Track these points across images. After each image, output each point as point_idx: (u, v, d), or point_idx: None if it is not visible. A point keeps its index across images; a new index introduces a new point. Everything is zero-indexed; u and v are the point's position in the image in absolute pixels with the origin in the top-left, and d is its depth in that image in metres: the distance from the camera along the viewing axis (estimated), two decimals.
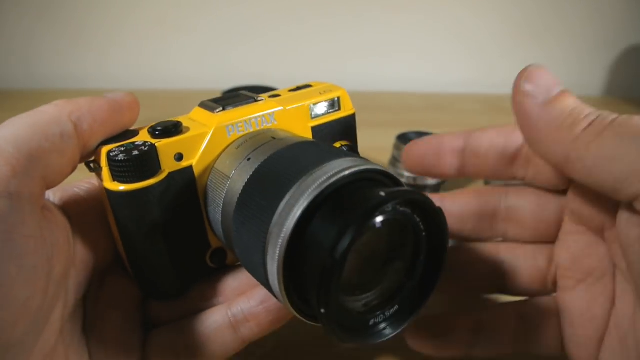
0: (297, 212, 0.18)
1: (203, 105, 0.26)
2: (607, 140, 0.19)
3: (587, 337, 0.24)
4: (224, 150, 0.24)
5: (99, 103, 0.23)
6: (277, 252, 0.18)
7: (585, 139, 0.20)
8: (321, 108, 0.28)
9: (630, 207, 0.20)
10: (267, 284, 0.20)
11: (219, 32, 0.82)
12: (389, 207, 0.18)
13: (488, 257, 0.26)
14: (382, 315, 0.21)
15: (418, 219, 0.20)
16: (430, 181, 0.47)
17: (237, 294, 0.25)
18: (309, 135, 0.28)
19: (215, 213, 0.24)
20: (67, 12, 0.80)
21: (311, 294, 0.18)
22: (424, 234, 0.21)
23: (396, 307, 0.21)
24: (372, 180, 0.20)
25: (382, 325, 0.21)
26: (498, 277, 0.26)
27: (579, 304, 0.24)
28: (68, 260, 0.22)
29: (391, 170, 0.49)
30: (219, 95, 0.53)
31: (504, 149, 0.25)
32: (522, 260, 0.26)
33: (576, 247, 0.25)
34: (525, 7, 0.80)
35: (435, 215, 0.20)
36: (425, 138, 0.28)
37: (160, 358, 0.24)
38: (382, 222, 0.18)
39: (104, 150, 0.22)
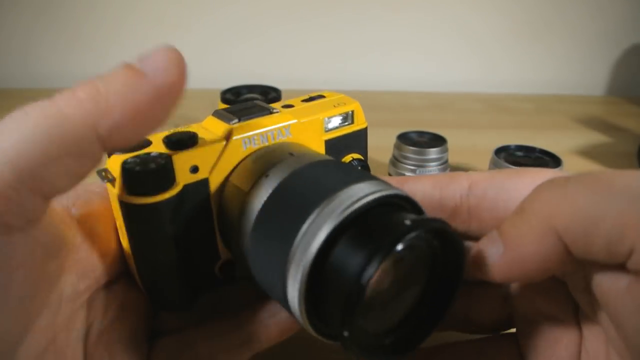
0: (322, 235, 0.18)
1: (217, 114, 0.25)
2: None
3: None
4: (239, 164, 0.24)
5: (136, 99, 0.18)
6: (300, 275, 0.19)
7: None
8: (335, 121, 0.28)
9: (621, 268, 0.17)
10: (285, 303, 0.20)
11: (219, 31, 0.82)
12: (413, 234, 0.18)
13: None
14: (398, 335, 0.21)
15: (437, 244, 0.20)
16: None
17: (245, 305, 0.25)
18: (322, 149, 0.28)
19: (228, 226, 0.24)
20: (66, 12, 0.80)
21: (334, 316, 0.19)
22: (441, 259, 0.21)
23: (412, 327, 0.21)
24: (395, 205, 0.21)
25: (398, 344, 0.21)
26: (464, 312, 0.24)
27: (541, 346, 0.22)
28: (71, 268, 0.21)
29: (391, 170, 0.49)
30: (217, 94, 0.53)
31: (440, 203, 0.23)
32: (486, 293, 0.24)
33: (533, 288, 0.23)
34: (527, 6, 0.80)
35: (455, 242, 0.20)
36: None
37: None
38: (404, 248, 0.18)
39: (118, 159, 0.21)
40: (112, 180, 0.22)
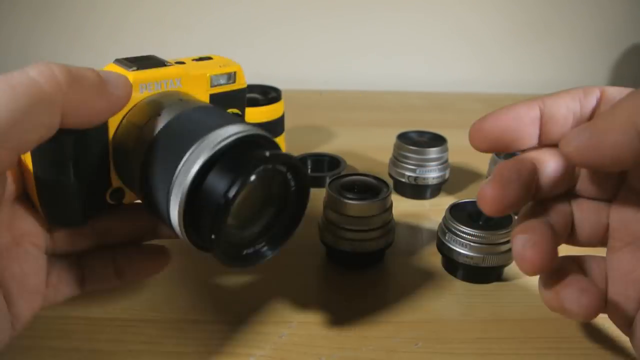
0: (198, 164, 0.24)
1: (118, 62, 0.29)
2: None
3: (627, 298, 0.24)
4: (136, 104, 0.28)
5: (94, 97, 0.24)
6: (180, 195, 0.24)
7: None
8: (220, 79, 0.33)
9: None
10: (168, 220, 0.25)
11: (219, 31, 0.82)
12: (269, 165, 0.25)
13: (560, 208, 0.26)
14: (255, 248, 0.27)
15: (290, 176, 0.27)
16: (432, 180, 0.47)
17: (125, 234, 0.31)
18: (207, 101, 0.32)
19: (122, 156, 0.28)
20: (66, 12, 0.80)
21: (206, 228, 0.24)
22: (293, 188, 0.27)
23: (265, 242, 0.28)
24: (257, 143, 0.26)
25: (253, 256, 0.27)
26: (566, 228, 0.27)
27: (624, 265, 0.25)
28: None
29: (392, 169, 0.49)
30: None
31: (581, 113, 0.25)
32: (587, 215, 0.26)
33: (628, 211, 0.25)
34: (527, 6, 0.80)
35: (301, 174, 0.27)
36: (496, 112, 0.28)
37: (60, 284, 0.29)
38: (261, 175, 0.25)
39: None
40: None
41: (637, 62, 0.83)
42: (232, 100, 0.34)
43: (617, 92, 0.25)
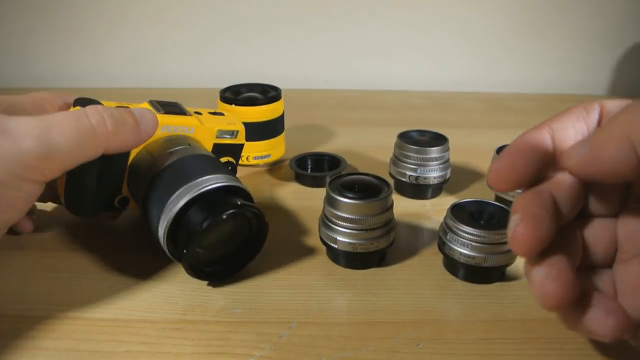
0: (181, 204, 0.32)
1: (151, 103, 0.38)
2: None
3: (636, 309, 0.24)
4: (156, 139, 0.36)
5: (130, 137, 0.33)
6: (166, 222, 0.32)
7: None
8: (225, 134, 0.42)
9: None
10: (156, 233, 0.34)
11: (218, 30, 0.81)
12: (239, 210, 0.33)
13: (571, 234, 0.26)
14: (217, 268, 0.35)
15: (254, 222, 0.35)
16: (433, 180, 0.46)
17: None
18: (210, 148, 0.41)
19: (135, 176, 0.36)
20: (64, 12, 0.80)
21: (182, 246, 0.32)
22: (255, 231, 0.35)
23: (226, 266, 0.36)
24: (234, 191, 0.35)
25: (216, 274, 0.35)
26: (579, 252, 0.26)
27: (633, 277, 0.25)
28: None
29: (392, 169, 0.48)
30: (217, 92, 0.53)
31: (588, 132, 0.26)
32: (599, 233, 0.27)
33: (635, 222, 0.25)
34: (528, 5, 0.80)
35: (262, 222, 0.35)
36: (511, 149, 0.26)
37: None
38: (229, 216, 0.33)
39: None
40: None
41: (638, 62, 0.82)
42: (230, 151, 0.43)
43: (615, 106, 0.26)
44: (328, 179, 0.38)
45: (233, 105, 0.50)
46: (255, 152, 0.52)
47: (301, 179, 0.51)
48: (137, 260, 0.38)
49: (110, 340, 0.31)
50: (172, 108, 0.38)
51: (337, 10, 0.80)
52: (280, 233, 0.42)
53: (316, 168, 0.54)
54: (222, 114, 0.42)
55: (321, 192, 0.39)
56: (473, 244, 0.35)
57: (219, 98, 0.51)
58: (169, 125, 0.37)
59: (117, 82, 0.83)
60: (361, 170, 0.46)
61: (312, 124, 0.66)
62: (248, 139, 0.51)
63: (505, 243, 0.35)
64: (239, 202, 0.33)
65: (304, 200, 0.48)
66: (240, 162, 0.52)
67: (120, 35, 0.82)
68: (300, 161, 0.53)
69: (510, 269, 0.37)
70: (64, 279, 0.36)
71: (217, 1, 0.80)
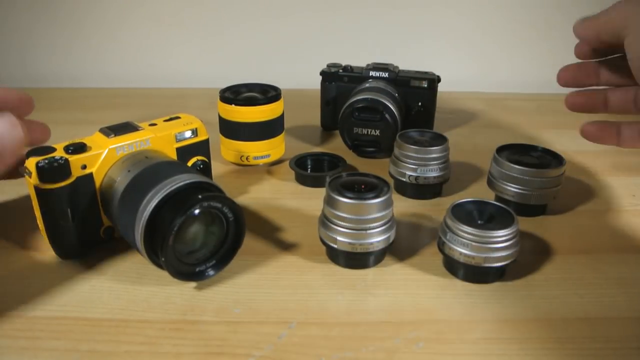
0: (152, 205, 0.33)
1: (102, 131, 0.39)
2: None
3: None
4: (114, 163, 0.37)
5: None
6: (140, 228, 0.33)
7: None
8: (184, 135, 0.42)
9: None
10: (135, 246, 0.34)
11: (218, 30, 0.81)
12: (205, 204, 0.33)
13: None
14: (205, 265, 0.36)
15: (226, 210, 0.35)
16: (433, 180, 0.46)
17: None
18: (174, 154, 0.42)
19: (106, 202, 0.37)
20: (65, 12, 0.80)
21: (158, 249, 0.33)
22: (231, 219, 0.35)
23: (214, 261, 0.36)
24: (201, 187, 0.35)
25: (206, 272, 0.36)
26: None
27: None
28: None
29: (392, 169, 0.49)
30: (217, 92, 0.53)
31: None
32: (616, 91, 0.39)
33: None
34: (528, 5, 0.80)
35: (236, 211, 0.35)
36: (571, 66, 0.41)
37: None
38: (200, 212, 0.33)
39: (33, 160, 0.34)
40: (29, 174, 0.35)
41: None
42: (196, 150, 0.43)
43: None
44: (328, 179, 0.38)
45: (233, 105, 0.50)
46: (255, 152, 0.52)
47: (301, 179, 0.51)
48: (137, 261, 0.38)
49: (110, 340, 0.31)
50: (122, 129, 0.39)
51: (337, 10, 0.80)
52: (279, 233, 0.42)
53: (316, 168, 0.54)
54: (178, 118, 0.43)
55: (321, 192, 0.39)
56: (473, 243, 0.35)
57: (219, 98, 0.51)
58: (122, 145, 0.38)
59: (117, 82, 0.83)
60: (361, 170, 0.46)
61: (312, 124, 0.66)
62: (248, 139, 0.51)
63: (505, 243, 0.35)
64: (199, 196, 0.33)
65: (303, 200, 0.48)
66: (240, 162, 0.53)
67: (120, 35, 0.82)
68: (300, 161, 0.53)
69: (510, 269, 0.37)
70: (64, 279, 0.36)
71: (217, 1, 0.80)
